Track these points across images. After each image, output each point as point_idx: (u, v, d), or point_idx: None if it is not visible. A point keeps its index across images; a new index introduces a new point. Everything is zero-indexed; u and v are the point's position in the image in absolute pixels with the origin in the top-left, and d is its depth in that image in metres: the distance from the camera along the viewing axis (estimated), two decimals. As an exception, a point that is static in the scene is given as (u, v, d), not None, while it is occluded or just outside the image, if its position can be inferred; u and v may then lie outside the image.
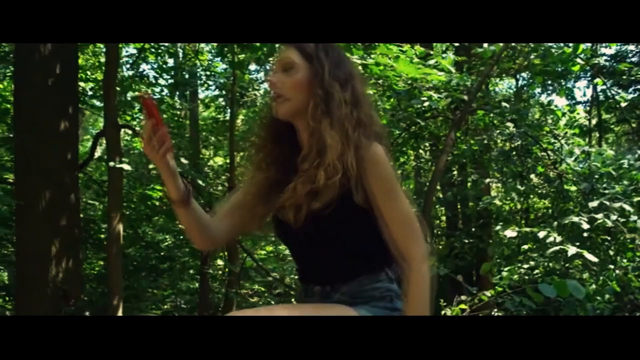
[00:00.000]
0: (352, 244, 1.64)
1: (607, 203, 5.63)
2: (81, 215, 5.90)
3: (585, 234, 5.86)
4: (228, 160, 9.28)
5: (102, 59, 8.47)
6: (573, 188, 7.45)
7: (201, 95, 13.08)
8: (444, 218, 11.28)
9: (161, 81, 9.01)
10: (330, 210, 1.57)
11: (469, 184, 8.45)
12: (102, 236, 8.31)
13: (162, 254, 9.06)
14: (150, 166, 12.43)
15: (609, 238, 6.30)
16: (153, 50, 8.07)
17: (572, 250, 5.04)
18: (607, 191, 5.99)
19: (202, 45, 9.96)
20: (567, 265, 6.38)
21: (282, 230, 1.70)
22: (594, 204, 5.71)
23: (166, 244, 10.03)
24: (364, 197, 1.59)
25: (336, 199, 1.56)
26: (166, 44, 8.34)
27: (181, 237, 9.89)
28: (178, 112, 11.17)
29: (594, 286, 5.68)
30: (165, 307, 9.75)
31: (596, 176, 6.35)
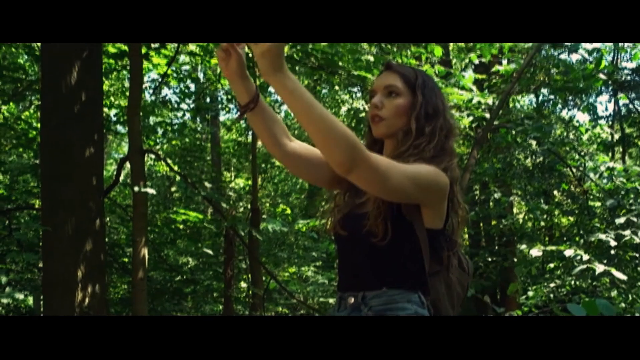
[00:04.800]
0: (390, 254, 1.68)
1: (635, 219, 5.55)
2: (106, 240, 5.95)
3: (612, 251, 5.78)
4: (250, 182, 9.31)
5: (126, 84, 8.60)
6: (597, 204, 7.36)
7: (222, 118, 13.22)
8: (466, 236, 11.19)
9: (183, 106, 9.13)
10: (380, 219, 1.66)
11: (491, 203, 8.39)
12: (126, 260, 8.37)
13: (185, 277, 9.09)
14: (173, 189, 12.56)
15: (637, 255, 6.20)
16: (175, 75, 8.19)
17: (599, 268, 4.97)
18: (633, 207, 5.90)
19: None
20: (594, 283, 6.28)
21: (337, 232, 1.77)
22: (620, 220, 5.63)
23: (189, 266, 10.07)
24: (413, 208, 1.66)
25: (387, 209, 1.65)
26: (187, 69, 8.46)
27: (204, 259, 9.94)
28: (199, 136, 11.28)
29: (623, 304, 5.58)
30: (189, 330, 9.72)
31: (622, 192, 6.27)
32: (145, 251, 5.46)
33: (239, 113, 1.69)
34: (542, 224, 9.14)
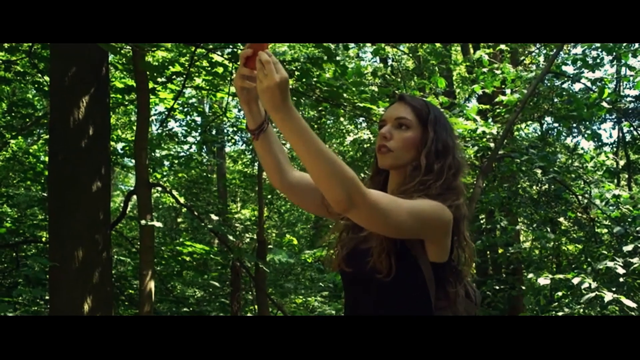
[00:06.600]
0: (395, 289, 1.67)
1: (642, 247, 5.54)
2: (112, 272, 5.95)
3: (621, 279, 5.74)
4: (256, 213, 9.33)
5: (133, 118, 8.68)
6: (604, 231, 7.34)
7: (228, 149, 13.31)
8: (473, 265, 11.12)
9: (190, 139, 9.21)
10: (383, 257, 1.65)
11: (498, 232, 8.37)
12: (133, 292, 8.35)
13: (191, 309, 9.05)
14: (179, 219, 12.57)
15: (646, 283, 6.16)
16: (181, 108, 8.28)
17: (608, 296, 4.94)
18: (640, 234, 5.89)
19: (229, 100, 10.21)
20: (603, 311, 6.23)
21: (342, 269, 1.77)
22: (628, 247, 5.61)
23: (195, 297, 10.03)
24: (416, 243, 1.66)
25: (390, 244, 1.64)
26: (194, 102, 8.54)
27: (210, 290, 9.90)
28: (206, 168, 11.34)
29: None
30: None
31: (629, 219, 6.25)
32: (152, 284, 5.46)
33: (254, 134, 1.70)
34: (549, 251, 9.10)
